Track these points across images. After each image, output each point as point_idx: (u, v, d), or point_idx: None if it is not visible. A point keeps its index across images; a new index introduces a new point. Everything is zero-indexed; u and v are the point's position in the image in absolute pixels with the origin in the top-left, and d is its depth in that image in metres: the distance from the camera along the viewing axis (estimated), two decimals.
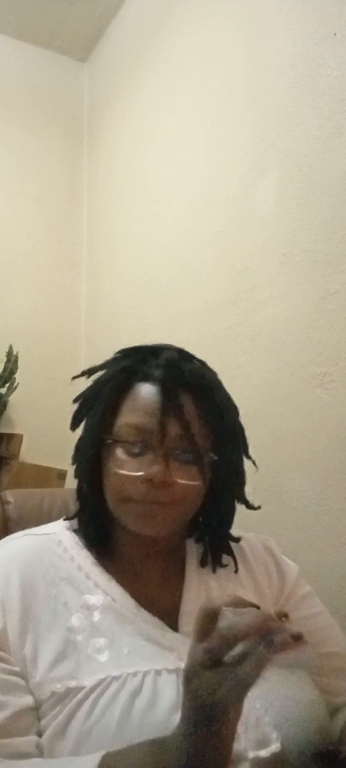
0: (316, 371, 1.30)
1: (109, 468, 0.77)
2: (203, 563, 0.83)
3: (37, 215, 2.45)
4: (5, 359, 2.13)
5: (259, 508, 0.86)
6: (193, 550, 0.85)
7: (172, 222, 1.89)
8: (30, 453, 2.19)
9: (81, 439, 0.83)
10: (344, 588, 1.21)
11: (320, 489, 1.27)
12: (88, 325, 2.45)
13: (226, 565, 0.84)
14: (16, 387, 2.14)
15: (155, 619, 0.75)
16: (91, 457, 0.80)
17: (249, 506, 0.86)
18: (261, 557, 0.88)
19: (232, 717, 0.56)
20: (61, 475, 2.06)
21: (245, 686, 0.53)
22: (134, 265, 2.11)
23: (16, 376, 2.14)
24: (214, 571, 0.83)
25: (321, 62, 1.32)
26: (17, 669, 0.71)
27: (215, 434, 0.79)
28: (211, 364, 1.69)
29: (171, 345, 0.86)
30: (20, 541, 0.83)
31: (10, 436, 2.16)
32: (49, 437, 2.32)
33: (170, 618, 0.77)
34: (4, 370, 2.12)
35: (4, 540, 0.84)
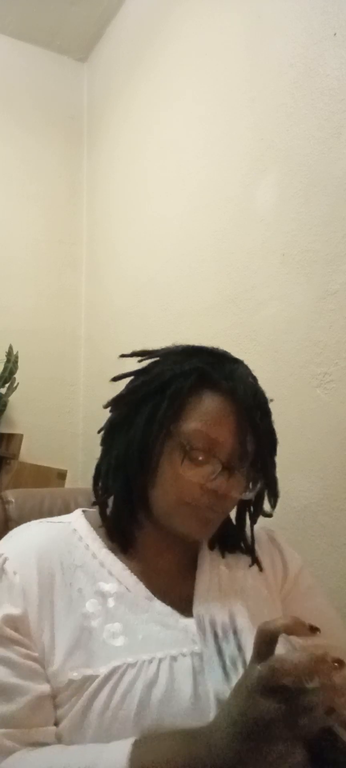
0: (316, 371, 1.30)
1: (168, 467, 0.77)
2: (211, 546, 0.85)
3: (37, 215, 2.46)
4: (5, 359, 2.13)
5: (271, 515, 0.89)
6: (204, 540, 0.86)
7: (172, 222, 1.89)
8: (30, 453, 2.19)
9: (132, 424, 0.81)
10: (344, 588, 1.21)
11: (320, 489, 1.27)
12: (88, 325, 2.45)
13: (233, 552, 0.86)
14: (16, 387, 2.14)
15: (168, 608, 0.76)
16: (149, 449, 0.78)
17: (263, 514, 0.87)
18: (266, 547, 0.90)
19: (279, 750, 0.55)
20: (61, 475, 2.06)
21: (296, 735, 0.53)
22: (134, 265, 2.11)
23: (16, 376, 2.14)
24: (223, 556, 0.85)
25: (321, 62, 1.32)
26: (36, 655, 0.71)
27: (264, 456, 0.82)
28: None
29: (229, 353, 0.86)
30: (36, 527, 0.83)
31: (10, 436, 2.16)
32: (49, 437, 2.32)
33: (184, 605, 0.77)
34: (4, 370, 2.12)
35: (19, 528, 0.84)
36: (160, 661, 0.69)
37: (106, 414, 0.87)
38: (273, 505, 0.86)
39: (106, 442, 0.85)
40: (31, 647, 0.71)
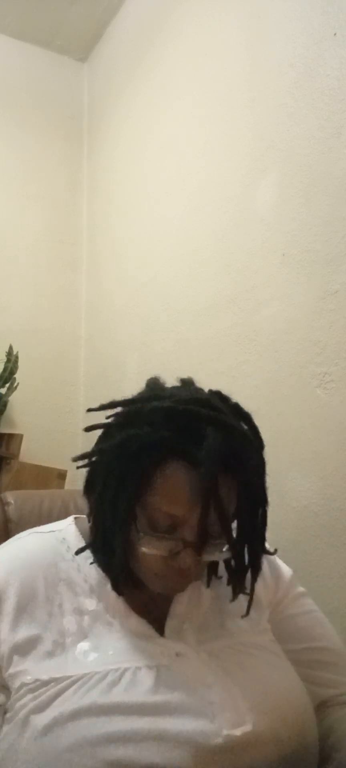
0: (316, 371, 1.30)
1: (138, 544, 0.74)
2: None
3: (37, 215, 2.46)
4: (5, 359, 2.12)
5: (275, 552, 0.87)
6: None
7: (172, 222, 1.89)
8: (30, 453, 2.19)
9: (102, 498, 0.77)
10: (344, 588, 1.21)
11: (320, 489, 1.27)
12: (88, 325, 2.45)
13: (220, 577, 0.84)
14: (16, 387, 2.14)
15: (144, 622, 0.77)
16: (117, 524, 0.75)
17: (266, 552, 0.83)
18: None
19: None
20: (61, 475, 2.06)
21: None
22: (134, 265, 2.11)
23: (16, 376, 2.14)
24: (208, 585, 0.84)
25: (321, 62, 1.32)
26: None
27: (243, 503, 0.76)
28: (211, 364, 1.69)
29: (208, 402, 0.76)
30: (25, 540, 0.85)
31: (10, 436, 2.16)
32: (49, 437, 2.32)
33: (160, 623, 0.78)
34: (4, 370, 2.12)
35: (11, 539, 0.87)
36: (125, 669, 0.71)
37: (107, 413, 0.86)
38: (258, 558, 0.81)
39: (85, 493, 0.82)
40: None
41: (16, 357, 2.14)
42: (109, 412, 0.80)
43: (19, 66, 2.50)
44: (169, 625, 0.78)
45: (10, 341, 2.14)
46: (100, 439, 0.80)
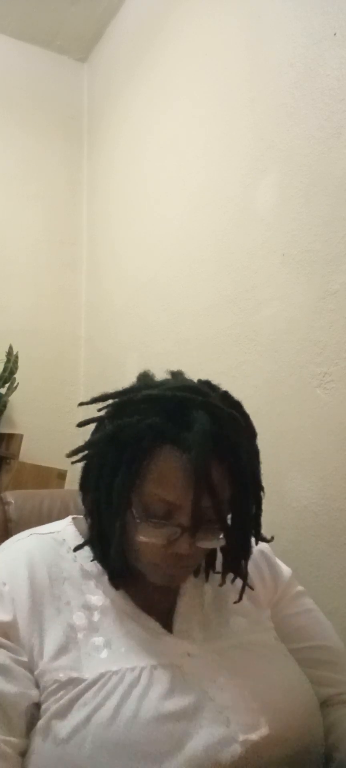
0: (316, 371, 1.30)
1: (134, 533, 0.75)
2: (196, 573, 0.84)
3: (37, 215, 2.46)
4: (5, 359, 2.13)
5: (271, 539, 0.87)
6: None
7: (172, 222, 1.89)
8: (30, 453, 2.19)
9: (97, 489, 0.78)
10: (344, 588, 1.21)
11: (320, 489, 1.27)
12: (88, 325, 2.45)
13: (219, 572, 0.84)
14: (16, 387, 2.14)
15: (151, 621, 0.78)
16: (113, 515, 0.75)
17: (262, 540, 0.84)
18: (254, 560, 0.90)
19: None
20: (61, 475, 2.06)
21: None
22: (134, 265, 2.11)
23: (16, 376, 2.14)
24: (207, 579, 0.85)
25: (321, 62, 1.32)
26: (25, 660, 0.73)
27: (236, 490, 0.77)
28: (211, 364, 1.69)
29: (197, 389, 0.78)
30: (25, 541, 0.85)
31: (10, 436, 2.16)
32: (49, 437, 2.32)
33: (165, 620, 0.79)
34: (4, 370, 2.12)
35: (9, 540, 0.87)
36: (141, 668, 0.71)
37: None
38: (255, 541, 0.82)
39: (81, 488, 0.83)
40: (19, 652, 0.73)
41: (16, 357, 2.14)
42: (101, 406, 0.81)
43: (19, 66, 2.50)
44: (177, 622, 0.79)
45: (10, 341, 2.14)
46: (93, 432, 0.82)
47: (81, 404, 0.83)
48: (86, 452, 0.81)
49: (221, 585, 0.82)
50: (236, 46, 1.62)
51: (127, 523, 0.75)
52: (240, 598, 0.81)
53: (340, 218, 1.25)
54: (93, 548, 0.82)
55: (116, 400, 0.80)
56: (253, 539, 0.82)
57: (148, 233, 2.03)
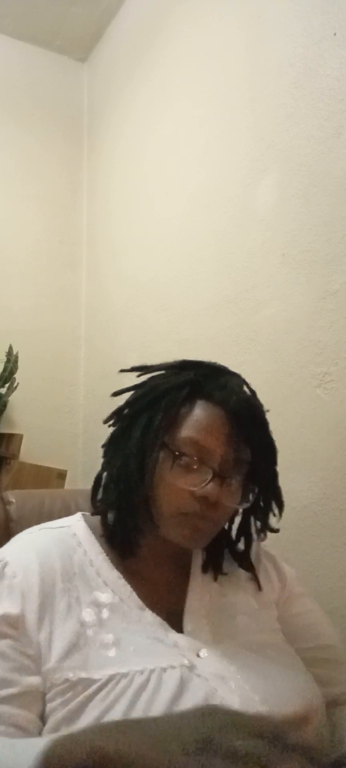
0: (316, 371, 1.30)
1: (162, 477, 0.79)
2: (204, 569, 0.86)
3: (37, 215, 2.46)
4: (5, 359, 2.13)
5: (277, 530, 0.88)
6: (198, 555, 0.87)
7: (171, 222, 1.89)
8: (30, 453, 2.19)
9: (129, 437, 0.83)
10: (344, 588, 1.21)
11: (320, 489, 1.27)
12: (88, 325, 2.45)
13: (225, 574, 0.86)
14: (16, 387, 2.14)
15: (159, 620, 0.77)
16: (145, 460, 0.79)
17: (270, 530, 0.88)
18: (261, 562, 0.92)
19: None
20: (61, 475, 2.06)
21: None
22: (134, 265, 2.11)
23: (16, 376, 2.14)
24: (215, 579, 0.86)
25: (321, 62, 1.32)
26: (32, 653, 0.73)
27: (260, 465, 0.83)
28: None
29: (226, 367, 0.88)
30: (36, 534, 0.85)
31: (10, 436, 2.16)
32: (49, 437, 2.32)
33: (174, 618, 0.79)
34: (4, 370, 2.12)
35: (20, 534, 0.86)
36: (150, 671, 0.71)
37: (107, 413, 0.88)
38: (279, 515, 0.87)
39: (106, 455, 0.86)
40: (25, 644, 0.73)
41: (16, 357, 2.14)
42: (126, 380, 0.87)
43: (19, 66, 2.50)
44: (187, 621, 0.79)
45: (10, 341, 2.15)
46: (128, 398, 0.87)
47: (122, 371, 0.91)
48: (125, 410, 0.85)
49: (221, 575, 0.84)
50: (236, 46, 1.62)
51: (160, 464, 0.79)
52: (254, 576, 0.86)
53: (340, 218, 1.25)
54: (107, 525, 0.83)
55: (153, 371, 0.87)
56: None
57: (148, 233, 2.03)
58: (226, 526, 0.88)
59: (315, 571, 1.26)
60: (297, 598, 0.91)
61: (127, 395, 0.88)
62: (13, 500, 1.06)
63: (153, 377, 0.86)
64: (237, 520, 0.88)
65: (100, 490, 0.86)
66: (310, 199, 1.34)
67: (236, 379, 0.86)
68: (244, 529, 0.88)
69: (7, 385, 2.13)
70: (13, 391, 2.14)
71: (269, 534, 0.88)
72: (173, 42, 1.95)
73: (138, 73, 2.17)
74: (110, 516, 0.84)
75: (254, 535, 0.88)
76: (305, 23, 1.37)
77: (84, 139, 2.59)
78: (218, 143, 1.68)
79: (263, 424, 0.84)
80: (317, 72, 1.33)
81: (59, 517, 0.91)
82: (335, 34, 1.29)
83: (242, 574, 0.88)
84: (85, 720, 0.67)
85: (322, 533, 1.26)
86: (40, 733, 0.70)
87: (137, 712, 0.67)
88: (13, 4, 2.33)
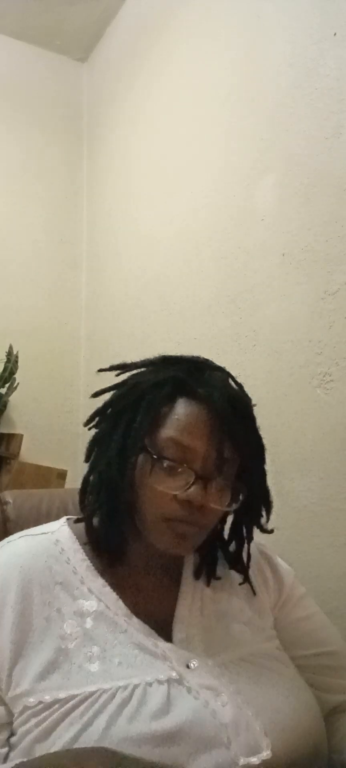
0: (315, 371, 1.30)
1: (144, 480, 0.75)
2: (197, 575, 0.82)
3: (38, 215, 2.46)
4: (5, 359, 2.12)
5: (272, 531, 0.85)
6: (190, 559, 0.84)
7: (172, 222, 1.89)
8: (30, 453, 2.19)
9: (110, 439, 0.78)
10: (344, 588, 1.20)
11: (320, 489, 1.27)
12: (88, 324, 2.45)
13: (219, 578, 0.83)
14: (16, 387, 2.14)
15: (147, 628, 0.74)
16: (127, 464, 0.76)
17: (263, 530, 0.84)
18: (257, 563, 0.88)
19: None
20: (61, 475, 2.06)
21: None
22: (134, 264, 2.11)
23: (16, 376, 2.14)
24: (208, 584, 0.82)
25: (320, 62, 1.32)
26: None
27: (248, 465, 0.78)
28: None
29: (210, 361, 0.84)
30: (16, 544, 0.80)
31: (10, 436, 2.16)
32: (49, 437, 2.32)
33: (164, 627, 0.75)
34: (4, 370, 2.12)
35: (0, 544, 0.83)
36: (134, 687, 0.67)
37: None
38: (267, 517, 0.83)
39: (89, 458, 0.83)
40: None
41: (16, 357, 2.13)
42: (108, 378, 0.84)
43: (19, 66, 2.50)
44: (177, 630, 0.75)
45: (10, 341, 2.14)
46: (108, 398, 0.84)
47: (100, 371, 0.87)
48: (106, 411, 0.82)
49: (215, 579, 0.82)
50: (236, 46, 1.62)
51: (141, 468, 0.75)
52: (246, 580, 0.82)
53: (340, 218, 1.25)
54: (92, 531, 0.80)
55: (133, 369, 0.84)
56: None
57: (149, 233, 2.03)
58: (218, 527, 0.84)
59: (315, 571, 1.26)
60: (299, 601, 0.88)
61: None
62: (10, 500, 1.06)
63: (134, 375, 0.83)
64: (229, 519, 0.85)
65: (86, 496, 0.82)
66: (310, 199, 1.33)
67: (220, 374, 0.82)
68: (235, 531, 0.84)
69: (7, 385, 2.13)
70: (13, 391, 2.14)
71: (268, 534, 0.86)
72: (172, 42, 1.95)
73: (138, 73, 2.17)
74: (95, 521, 0.81)
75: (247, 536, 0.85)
76: (304, 23, 1.37)
77: (84, 139, 2.59)
78: (218, 143, 1.68)
79: (250, 420, 0.79)
80: (316, 72, 1.33)
81: (57, 516, 0.89)
82: (334, 34, 1.28)
83: (236, 577, 0.84)
84: (64, 734, 0.63)
85: (321, 533, 1.26)
86: (4, 760, 0.66)
87: (118, 729, 0.63)
88: (13, 4, 2.33)
